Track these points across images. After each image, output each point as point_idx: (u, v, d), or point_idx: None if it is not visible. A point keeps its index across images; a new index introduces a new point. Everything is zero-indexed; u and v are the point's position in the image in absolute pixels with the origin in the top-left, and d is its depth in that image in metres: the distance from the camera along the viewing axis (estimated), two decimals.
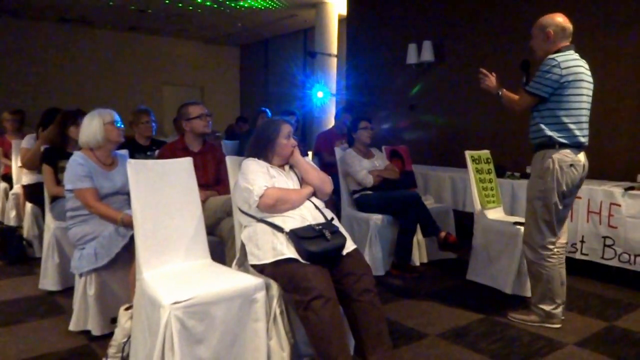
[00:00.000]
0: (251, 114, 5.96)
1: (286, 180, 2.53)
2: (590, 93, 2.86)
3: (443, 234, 3.86)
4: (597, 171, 4.20)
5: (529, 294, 3.32)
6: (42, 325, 2.92)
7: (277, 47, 10.63)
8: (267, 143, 2.56)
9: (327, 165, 4.91)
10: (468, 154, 3.89)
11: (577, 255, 3.88)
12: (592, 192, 3.81)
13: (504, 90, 2.99)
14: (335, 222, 2.42)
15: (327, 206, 2.58)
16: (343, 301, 2.22)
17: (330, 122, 7.37)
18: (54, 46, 9.46)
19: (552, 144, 2.81)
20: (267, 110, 5.68)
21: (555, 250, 2.91)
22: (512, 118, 4.82)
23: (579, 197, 3.83)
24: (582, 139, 2.81)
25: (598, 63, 4.22)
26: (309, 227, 2.27)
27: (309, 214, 2.39)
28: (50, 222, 3.42)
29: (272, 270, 2.24)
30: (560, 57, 2.74)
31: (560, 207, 2.87)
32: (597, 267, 3.87)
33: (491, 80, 3.04)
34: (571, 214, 3.87)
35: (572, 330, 2.94)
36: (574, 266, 3.84)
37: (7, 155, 5.63)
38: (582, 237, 3.85)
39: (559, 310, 2.96)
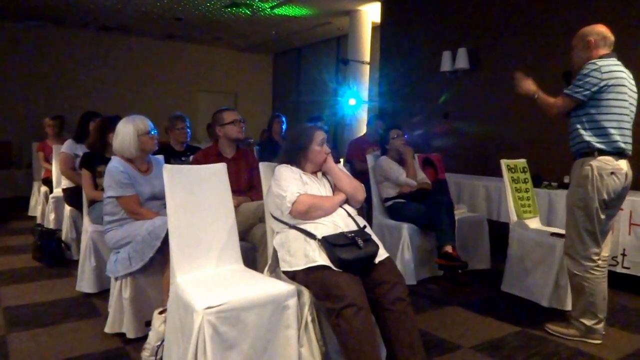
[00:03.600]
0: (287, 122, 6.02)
1: (319, 187, 2.52)
2: (634, 102, 2.78)
3: (449, 247, 3.72)
4: None
5: (566, 307, 3.23)
6: (78, 326, 2.98)
7: (310, 54, 10.69)
8: (300, 150, 2.56)
9: (359, 173, 4.89)
10: (504, 162, 3.81)
11: (618, 269, 3.74)
12: (635, 203, 3.67)
13: (541, 92, 2.93)
14: (368, 229, 2.40)
15: (358, 214, 2.56)
16: (375, 310, 2.19)
17: (362, 130, 7.34)
18: (95, 53, 9.74)
19: (590, 152, 2.73)
20: (281, 115, 5.74)
21: (600, 262, 2.81)
22: (549, 126, 4.72)
23: (621, 209, 3.70)
24: (624, 145, 2.72)
25: None
26: (342, 235, 2.26)
27: (341, 221, 2.37)
28: (87, 226, 3.51)
29: (303, 277, 2.23)
30: (600, 62, 2.69)
31: (603, 217, 2.77)
32: (639, 281, 3.72)
33: (528, 83, 2.98)
34: (612, 226, 3.75)
35: (613, 346, 2.83)
36: (614, 280, 3.70)
37: (48, 160, 5.82)
38: (624, 250, 3.72)
39: (601, 325, 2.85)
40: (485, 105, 5.74)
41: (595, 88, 2.66)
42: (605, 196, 2.73)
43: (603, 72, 2.65)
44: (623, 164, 2.75)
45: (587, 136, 2.73)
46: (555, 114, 2.89)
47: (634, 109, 2.79)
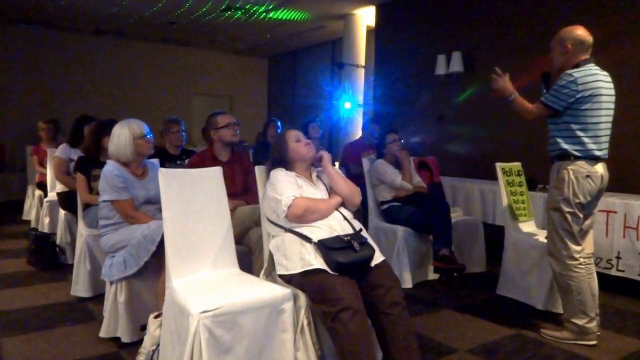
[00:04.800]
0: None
1: (314, 191, 2.52)
2: (612, 106, 2.85)
3: (446, 250, 3.76)
4: (634, 185, 4.08)
5: (561, 310, 3.23)
6: (73, 331, 2.96)
7: (305, 58, 10.70)
8: (281, 155, 2.58)
9: (354, 176, 4.89)
10: (499, 166, 3.83)
11: (613, 272, 3.75)
12: (629, 206, 3.69)
13: (517, 95, 2.99)
14: (364, 233, 2.41)
15: (354, 217, 2.56)
16: (371, 314, 2.19)
17: (358, 133, 7.36)
18: (89, 57, 9.71)
19: (567, 156, 2.82)
20: (277, 119, 5.75)
21: (582, 260, 2.85)
22: (544, 130, 4.74)
23: (615, 212, 3.73)
24: (598, 153, 2.80)
25: (632, 74, 4.13)
26: (337, 238, 2.26)
27: (337, 224, 2.37)
28: (82, 230, 3.49)
29: (300, 281, 2.23)
30: (577, 73, 2.74)
31: (580, 217, 2.85)
32: (634, 285, 3.74)
33: (505, 80, 3.04)
34: (606, 229, 3.78)
35: (608, 349, 2.84)
36: (609, 283, 3.73)
37: (42, 164, 5.80)
38: (618, 253, 3.73)
39: (593, 324, 2.86)
40: (480, 109, 5.76)
41: (572, 99, 2.74)
42: (582, 198, 2.81)
43: (579, 83, 2.71)
44: (599, 167, 2.83)
45: (564, 143, 2.82)
46: (532, 120, 3.00)
47: (611, 112, 2.85)
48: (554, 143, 2.89)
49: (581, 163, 2.79)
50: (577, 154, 2.79)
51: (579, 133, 2.78)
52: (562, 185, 2.82)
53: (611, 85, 2.84)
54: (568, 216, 2.83)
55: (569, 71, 2.78)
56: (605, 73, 2.84)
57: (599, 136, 2.80)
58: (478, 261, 4.37)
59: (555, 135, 2.87)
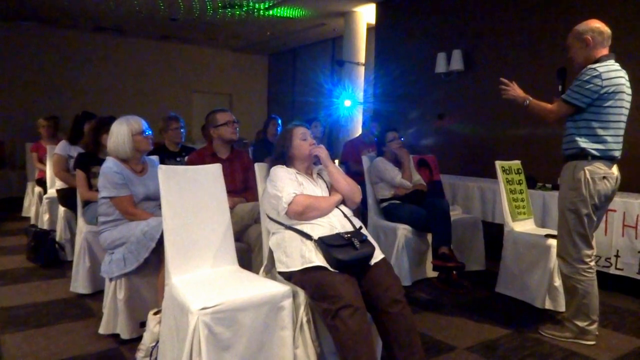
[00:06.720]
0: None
1: (314, 188, 2.52)
2: (629, 105, 2.78)
3: (445, 249, 3.76)
4: (634, 184, 4.08)
5: (560, 308, 3.25)
6: (73, 327, 2.97)
7: (305, 55, 10.69)
8: (285, 151, 2.57)
9: (354, 174, 4.89)
10: (498, 164, 3.83)
11: (612, 270, 3.76)
12: (628, 205, 3.70)
13: (532, 99, 2.91)
14: (364, 231, 2.41)
15: (353, 215, 2.56)
16: (372, 312, 2.20)
17: (357, 131, 7.35)
18: (89, 54, 9.71)
19: (584, 156, 2.74)
20: (277, 117, 5.73)
21: (592, 264, 2.82)
22: (543, 128, 4.75)
23: (614, 210, 3.74)
24: (617, 153, 2.74)
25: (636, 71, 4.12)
26: (338, 235, 2.26)
27: (337, 222, 2.37)
28: (82, 226, 3.49)
29: (300, 278, 2.23)
30: (601, 68, 2.65)
31: (595, 219, 2.80)
32: (632, 283, 3.74)
33: (514, 89, 2.96)
34: (605, 228, 3.78)
35: (607, 347, 2.84)
36: (608, 281, 3.73)
37: (42, 160, 5.80)
38: (617, 251, 3.74)
39: (594, 326, 2.86)
40: (479, 107, 5.76)
41: (596, 95, 2.64)
42: (597, 200, 2.75)
43: (604, 79, 2.62)
44: (614, 169, 2.78)
45: (582, 142, 2.72)
46: (554, 120, 2.86)
47: (628, 111, 2.78)
48: (570, 141, 2.78)
49: (598, 164, 2.71)
50: (595, 153, 2.70)
51: (600, 132, 2.68)
52: (580, 185, 2.73)
53: (629, 84, 2.75)
54: (585, 218, 2.76)
55: (592, 66, 2.67)
56: (624, 71, 2.74)
57: (619, 135, 2.72)
58: (477, 259, 4.37)
59: (572, 133, 2.77)
